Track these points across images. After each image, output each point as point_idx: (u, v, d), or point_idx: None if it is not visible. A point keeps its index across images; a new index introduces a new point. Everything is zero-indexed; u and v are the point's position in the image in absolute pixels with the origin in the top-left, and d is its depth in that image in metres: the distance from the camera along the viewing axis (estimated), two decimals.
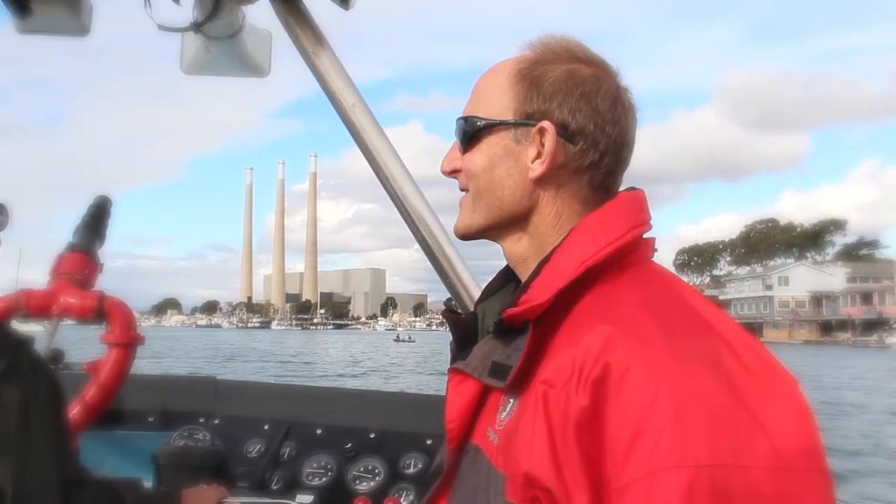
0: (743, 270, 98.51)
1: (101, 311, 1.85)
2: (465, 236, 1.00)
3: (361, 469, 1.99)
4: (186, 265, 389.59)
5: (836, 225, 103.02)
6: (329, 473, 1.99)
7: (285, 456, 2.02)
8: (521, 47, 0.96)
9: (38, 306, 1.83)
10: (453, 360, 0.98)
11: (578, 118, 0.90)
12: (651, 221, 0.93)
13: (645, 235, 0.92)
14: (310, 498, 1.92)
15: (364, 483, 1.97)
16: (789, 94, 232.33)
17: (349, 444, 2.01)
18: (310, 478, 1.99)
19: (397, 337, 76.12)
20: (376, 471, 1.98)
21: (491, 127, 0.94)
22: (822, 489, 0.71)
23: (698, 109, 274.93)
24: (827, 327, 75.18)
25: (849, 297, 75.63)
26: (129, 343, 1.88)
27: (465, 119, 0.96)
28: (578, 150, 0.90)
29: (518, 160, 0.92)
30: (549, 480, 0.76)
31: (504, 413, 0.88)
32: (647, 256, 0.92)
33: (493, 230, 0.97)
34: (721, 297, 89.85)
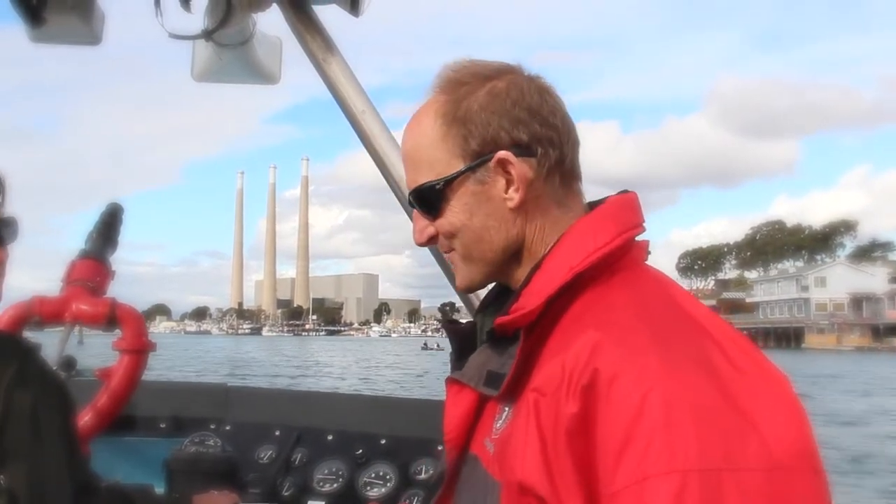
0: (753, 274, 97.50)
1: (113, 318, 1.86)
2: (471, 290, 1.01)
3: (372, 475, 1.98)
4: (178, 271, 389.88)
5: (847, 226, 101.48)
6: (340, 479, 1.99)
7: (296, 462, 2.02)
8: (426, 93, 0.94)
9: (50, 313, 1.85)
10: (453, 369, 0.98)
11: (524, 128, 0.89)
12: (644, 224, 0.92)
13: (639, 238, 0.91)
14: None
15: (375, 489, 1.96)
16: (781, 101, 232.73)
17: (360, 451, 2.01)
18: (321, 484, 1.98)
19: (425, 345, 73.91)
20: (387, 477, 1.97)
21: (450, 183, 0.91)
22: (816, 489, 0.71)
23: (690, 116, 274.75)
24: (875, 332, 68.45)
25: (895, 298, 70.08)
26: (140, 350, 1.89)
27: (420, 190, 0.93)
28: (540, 157, 0.89)
29: (491, 198, 0.91)
30: (542, 488, 0.76)
31: (499, 422, 0.88)
32: (640, 259, 0.92)
33: (495, 274, 0.96)
34: (748, 300, 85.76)
